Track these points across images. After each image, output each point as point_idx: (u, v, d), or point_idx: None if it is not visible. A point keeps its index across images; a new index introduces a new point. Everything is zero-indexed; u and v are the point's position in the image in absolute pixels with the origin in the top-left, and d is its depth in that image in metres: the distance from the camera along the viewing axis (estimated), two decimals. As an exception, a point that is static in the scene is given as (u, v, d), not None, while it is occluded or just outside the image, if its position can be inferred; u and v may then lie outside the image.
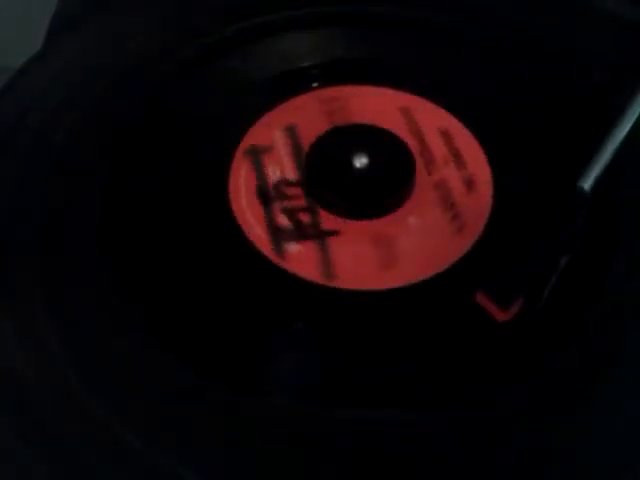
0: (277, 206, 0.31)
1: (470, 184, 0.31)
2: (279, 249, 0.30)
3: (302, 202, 0.31)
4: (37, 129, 0.32)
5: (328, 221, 0.30)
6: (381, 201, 0.31)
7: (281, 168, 0.32)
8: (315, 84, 0.35)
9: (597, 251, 0.29)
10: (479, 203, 0.31)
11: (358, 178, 0.31)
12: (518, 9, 0.37)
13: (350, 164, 0.31)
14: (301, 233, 0.30)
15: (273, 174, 0.32)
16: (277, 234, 0.30)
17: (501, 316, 0.27)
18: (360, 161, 0.31)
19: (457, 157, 0.32)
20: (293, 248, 0.30)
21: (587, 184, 0.29)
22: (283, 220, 0.31)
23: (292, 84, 0.34)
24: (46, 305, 0.27)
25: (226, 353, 0.27)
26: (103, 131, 0.32)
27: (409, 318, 0.28)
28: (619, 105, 0.31)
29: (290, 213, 0.31)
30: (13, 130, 0.32)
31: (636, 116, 0.31)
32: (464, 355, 0.27)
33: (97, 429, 0.25)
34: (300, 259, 0.29)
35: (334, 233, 0.30)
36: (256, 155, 0.32)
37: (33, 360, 0.26)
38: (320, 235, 0.30)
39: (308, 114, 0.33)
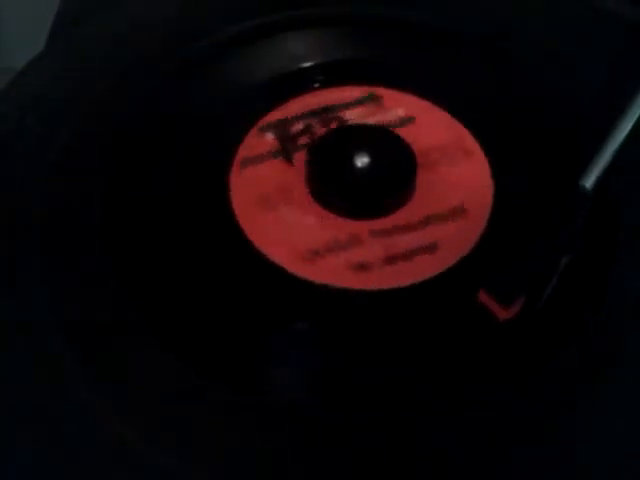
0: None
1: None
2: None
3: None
4: (38, 129, 0.32)
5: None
6: (381, 202, 0.31)
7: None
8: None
9: (598, 250, 0.29)
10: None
11: (359, 178, 0.31)
12: (518, 10, 0.37)
13: (351, 164, 0.31)
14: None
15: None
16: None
17: (503, 314, 0.27)
18: (361, 161, 0.31)
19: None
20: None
21: (588, 183, 0.29)
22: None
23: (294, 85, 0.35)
24: (46, 305, 0.27)
25: (226, 353, 0.27)
26: (103, 132, 0.32)
27: (410, 318, 0.28)
28: (620, 105, 0.31)
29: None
30: (14, 130, 0.32)
31: (637, 116, 0.31)
32: (465, 354, 0.27)
33: (97, 429, 0.25)
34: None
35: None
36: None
37: (33, 361, 0.26)
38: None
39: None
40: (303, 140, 0.33)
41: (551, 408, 0.25)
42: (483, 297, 0.28)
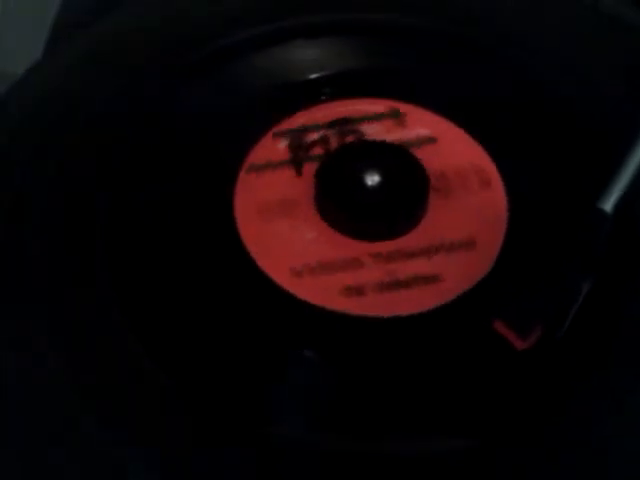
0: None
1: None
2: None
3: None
4: (38, 134, 0.31)
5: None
6: (387, 225, 0.29)
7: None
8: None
9: (620, 275, 0.28)
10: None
11: (366, 198, 0.30)
12: (521, 14, 0.35)
13: (360, 183, 0.30)
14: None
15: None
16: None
17: (520, 344, 0.26)
18: (370, 180, 0.30)
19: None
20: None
21: (608, 206, 0.28)
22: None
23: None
24: (46, 324, 0.26)
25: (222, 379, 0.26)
26: (104, 139, 0.31)
27: (397, 349, 0.27)
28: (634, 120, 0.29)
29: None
30: (14, 137, 0.31)
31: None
32: (481, 384, 0.26)
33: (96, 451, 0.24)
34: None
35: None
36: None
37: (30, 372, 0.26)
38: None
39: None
40: (317, 151, 0.32)
41: (569, 441, 0.24)
42: (499, 326, 0.26)
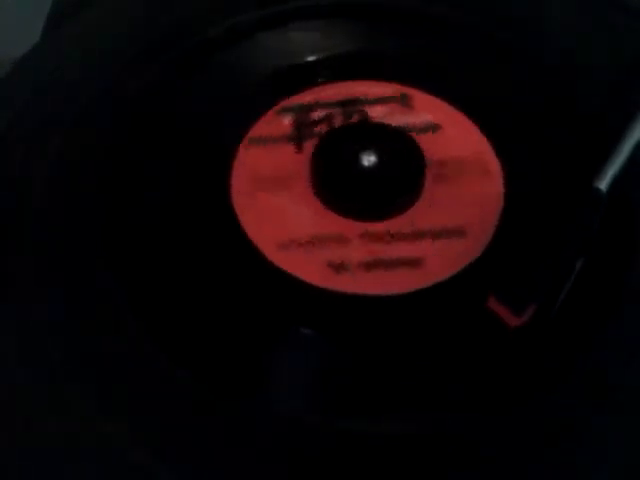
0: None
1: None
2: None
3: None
4: (36, 123, 0.31)
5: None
6: (377, 206, 0.29)
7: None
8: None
9: (614, 254, 0.27)
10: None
11: (359, 177, 0.29)
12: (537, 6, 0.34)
13: (356, 162, 0.30)
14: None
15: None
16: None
17: (514, 321, 0.26)
18: (366, 160, 0.29)
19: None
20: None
21: (603, 185, 0.28)
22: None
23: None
24: (46, 316, 0.26)
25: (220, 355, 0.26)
26: (102, 125, 0.31)
27: (415, 324, 0.27)
28: (635, 102, 0.29)
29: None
30: (11, 123, 0.31)
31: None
32: (474, 362, 0.26)
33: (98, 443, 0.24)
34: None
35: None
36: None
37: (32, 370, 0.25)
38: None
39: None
40: (320, 128, 0.31)
41: (562, 421, 0.24)
42: (493, 304, 0.26)
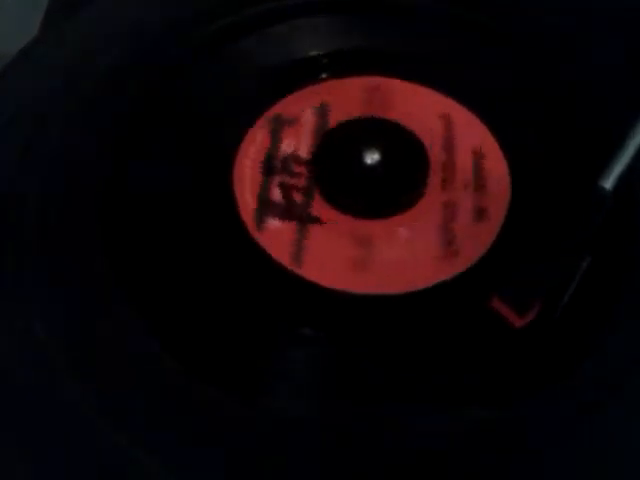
0: (277, 179, 0.29)
1: (484, 184, 0.29)
2: (260, 222, 0.28)
3: (302, 182, 0.29)
4: (34, 118, 0.30)
5: (320, 209, 0.28)
6: (380, 205, 0.29)
7: (297, 143, 0.30)
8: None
9: (618, 253, 0.27)
10: (496, 204, 0.28)
11: (363, 176, 0.29)
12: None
13: (359, 160, 0.29)
14: (287, 211, 0.28)
15: (287, 147, 0.30)
16: (265, 206, 0.28)
17: (518, 322, 0.26)
18: (370, 158, 0.29)
19: (477, 171, 0.30)
20: (273, 224, 0.28)
21: (608, 184, 0.27)
22: (276, 194, 0.29)
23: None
24: (46, 315, 0.25)
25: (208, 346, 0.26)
26: (104, 117, 0.30)
27: (415, 325, 0.27)
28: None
29: (286, 189, 0.29)
30: (10, 119, 0.30)
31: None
32: (478, 362, 0.25)
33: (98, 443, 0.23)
34: (275, 238, 0.27)
35: (318, 221, 0.28)
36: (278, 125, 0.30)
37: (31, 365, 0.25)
38: (304, 219, 0.28)
39: (345, 98, 0.31)
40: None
41: (566, 419, 0.24)
42: (497, 304, 0.26)
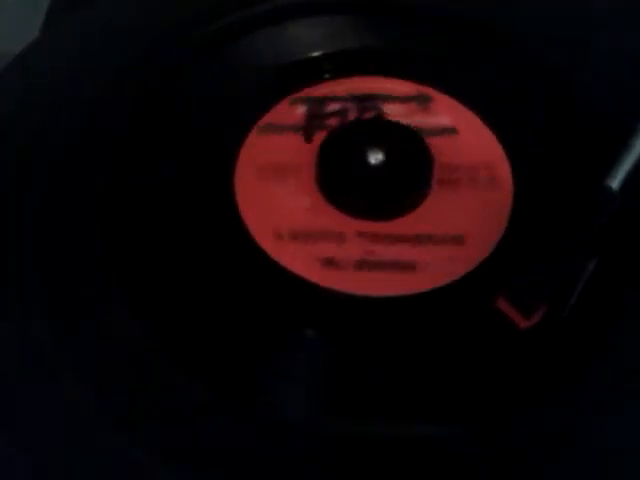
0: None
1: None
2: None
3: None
4: (35, 119, 0.30)
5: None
6: (379, 206, 0.29)
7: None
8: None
9: (626, 254, 0.27)
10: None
11: (364, 176, 0.29)
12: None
13: (362, 159, 0.29)
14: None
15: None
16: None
17: (523, 323, 0.26)
18: (374, 158, 0.29)
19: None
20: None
21: (615, 183, 0.27)
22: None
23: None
24: (46, 313, 0.25)
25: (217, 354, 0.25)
26: (104, 117, 0.30)
27: (413, 327, 0.26)
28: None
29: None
30: (11, 117, 0.30)
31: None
32: (483, 364, 0.25)
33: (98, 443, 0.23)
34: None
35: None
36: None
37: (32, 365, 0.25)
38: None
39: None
40: (332, 121, 0.30)
41: (573, 421, 0.24)
42: (502, 304, 0.26)
